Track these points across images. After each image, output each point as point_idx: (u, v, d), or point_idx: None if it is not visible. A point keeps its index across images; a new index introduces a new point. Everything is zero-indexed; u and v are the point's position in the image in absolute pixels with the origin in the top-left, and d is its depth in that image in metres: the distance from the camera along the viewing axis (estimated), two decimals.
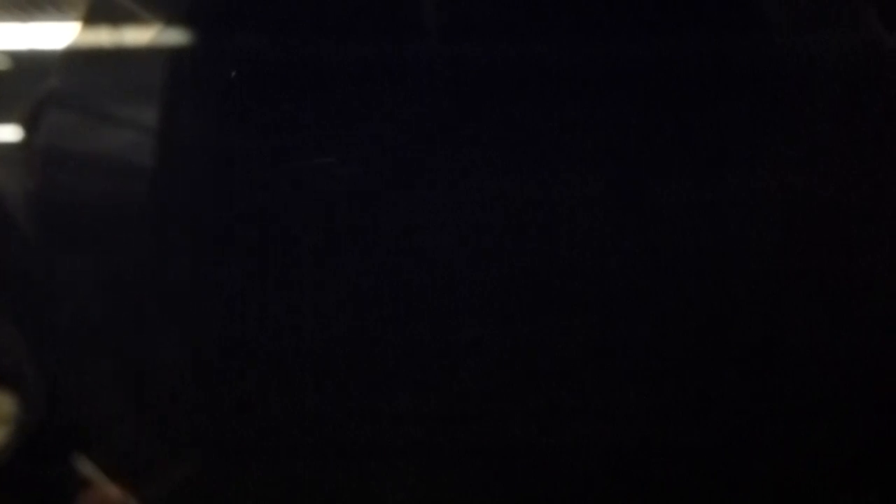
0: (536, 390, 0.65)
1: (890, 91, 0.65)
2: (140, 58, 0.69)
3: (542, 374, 0.65)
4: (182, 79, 0.68)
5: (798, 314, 0.65)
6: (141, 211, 0.67)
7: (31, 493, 0.68)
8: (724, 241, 0.65)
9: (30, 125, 0.69)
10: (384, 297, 0.65)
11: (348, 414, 0.66)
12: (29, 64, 0.73)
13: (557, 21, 0.65)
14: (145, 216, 0.67)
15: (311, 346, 0.66)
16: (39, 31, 0.72)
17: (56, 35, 0.71)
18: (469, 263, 0.65)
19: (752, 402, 0.65)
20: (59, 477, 0.67)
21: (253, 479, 0.66)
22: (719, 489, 0.65)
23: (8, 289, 0.68)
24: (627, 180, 0.65)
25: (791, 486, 0.65)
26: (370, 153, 0.65)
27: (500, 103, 0.65)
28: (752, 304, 0.65)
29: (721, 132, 0.64)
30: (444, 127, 0.65)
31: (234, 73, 0.66)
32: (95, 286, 0.67)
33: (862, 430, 0.64)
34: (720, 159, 0.65)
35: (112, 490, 0.67)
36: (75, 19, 0.70)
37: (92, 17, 0.70)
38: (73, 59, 0.70)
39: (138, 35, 0.69)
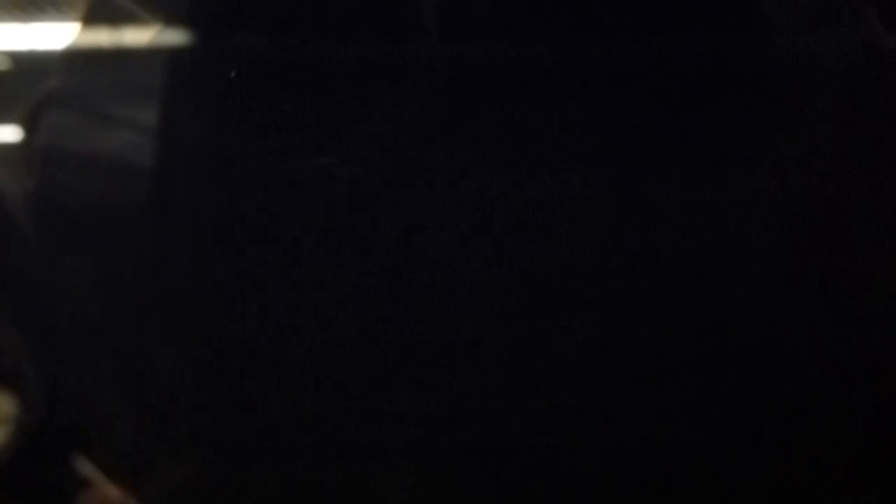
0: (536, 390, 0.65)
1: (890, 91, 0.65)
2: (140, 58, 0.69)
3: (542, 374, 0.65)
4: (182, 79, 0.68)
5: (798, 314, 0.65)
6: (141, 211, 0.67)
7: (31, 493, 0.68)
8: (724, 241, 0.65)
9: (30, 125, 0.69)
10: (384, 298, 0.65)
11: (348, 414, 0.66)
12: (29, 64, 0.73)
13: (557, 21, 0.65)
14: (145, 216, 0.67)
15: (311, 346, 0.66)
16: (39, 31, 0.72)
17: (56, 35, 0.71)
18: (469, 263, 0.65)
19: (752, 402, 0.65)
20: (59, 477, 0.67)
21: (253, 479, 0.66)
22: (719, 489, 0.65)
23: (8, 289, 0.68)
24: (627, 180, 0.65)
25: (791, 486, 0.65)
26: (370, 153, 0.65)
27: (499, 103, 0.65)
28: (752, 304, 0.65)
29: (721, 132, 0.64)
30: (444, 127, 0.65)
31: (233, 73, 0.66)
32: (95, 286, 0.67)
33: (862, 430, 0.64)
34: (720, 159, 0.65)
35: (112, 490, 0.67)
36: (75, 19, 0.70)
37: (92, 18, 0.70)
38: (73, 59, 0.70)
39: (138, 35, 0.69)
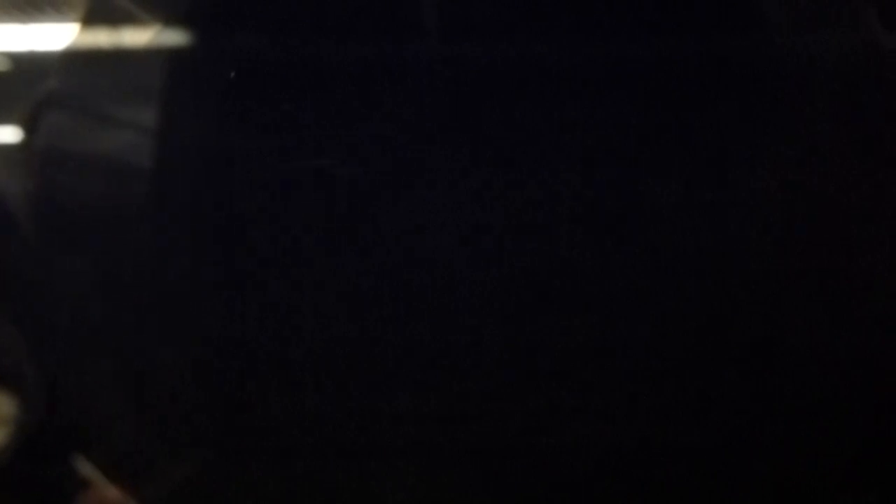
0: (536, 390, 0.65)
1: (890, 91, 0.65)
2: (139, 58, 0.69)
3: (541, 374, 0.65)
4: (182, 79, 0.68)
5: (798, 314, 0.65)
6: (141, 211, 0.67)
7: (31, 494, 0.68)
8: (724, 241, 0.65)
9: (29, 126, 0.69)
10: (384, 298, 0.65)
11: (348, 414, 0.66)
12: (28, 65, 0.73)
13: (557, 21, 0.65)
14: (145, 216, 0.67)
15: (311, 346, 0.66)
16: (39, 31, 0.72)
17: (55, 36, 0.71)
18: (469, 263, 0.65)
19: (752, 402, 0.65)
20: (59, 477, 0.67)
21: (253, 479, 0.66)
22: (719, 489, 0.65)
23: (8, 289, 0.68)
24: (627, 180, 0.65)
25: (791, 486, 0.65)
26: (370, 153, 0.65)
27: (499, 103, 0.65)
28: (752, 304, 0.65)
29: (721, 132, 0.65)
30: (444, 127, 0.65)
31: (233, 74, 0.66)
32: (95, 286, 0.67)
33: (862, 430, 0.65)
34: (720, 159, 0.65)
35: (112, 490, 0.67)
36: (74, 20, 0.70)
37: (91, 18, 0.70)
38: (73, 60, 0.70)
39: (137, 36, 0.69)
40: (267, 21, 0.66)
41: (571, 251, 0.65)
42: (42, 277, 0.68)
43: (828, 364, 0.64)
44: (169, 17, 0.68)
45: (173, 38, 0.68)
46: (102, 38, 0.69)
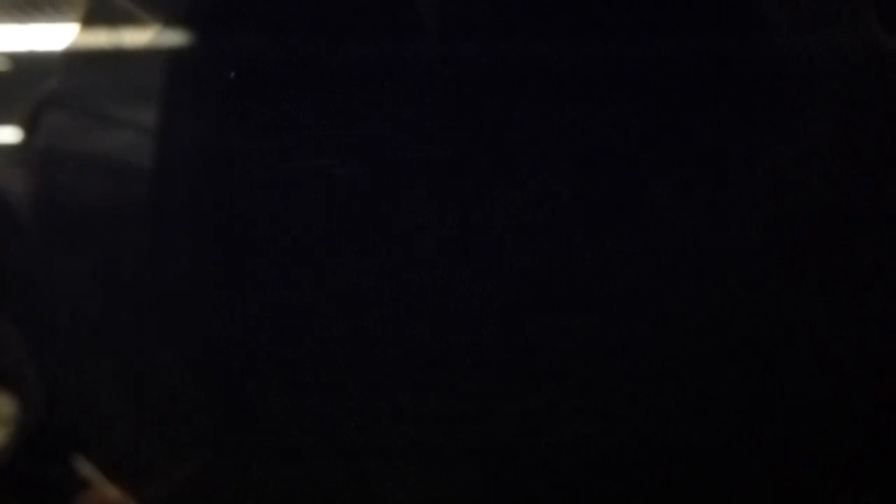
0: (536, 390, 0.65)
1: (890, 91, 0.65)
2: (139, 59, 0.69)
3: (541, 374, 0.65)
4: (182, 79, 0.68)
5: (798, 314, 0.65)
6: (140, 211, 0.67)
7: (30, 494, 0.68)
8: (724, 241, 0.65)
9: (29, 126, 0.69)
10: (384, 297, 0.65)
11: (348, 414, 0.66)
12: (29, 65, 0.73)
13: (557, 21, 0.65)
14: (145, 216, 0.67)
15: (311, 346, 0.66)
16: (39, 32, 0.72)
17: (55, 36, 0.71)
18: (469, 263, 0.65)
19: (752, 402, 0.65)
20: (58, 477, 0.67)
21: (253, 479, 0.66)
22: (719, 489, 0.65)
23: (8, 289, 0.68)
24: (627, 180, 0.65)
25: (791, 486, 0.65)
26: (370, 153, 0.65)
27: (499, 103, 0.65)
28: (752, 304, 0.65)
29: (721, 132, 0.65)
30: (444, 127, 0.65)
31: (233, 74, 0.66)
32: (95, 286, 0.67)
33: (862, 430, 0.64)
34: (720, 159, 0.65)
35: (111, 490, 0.67)
36: (74, 20, 0.70)
37: (91, 18, 0.70)
38: (73, 60, 0.70)
39: (137, 36, 0.69)
40: (267, 21, 0.66)
41: (571, 251, 0.65)
42: (42, 277, 0.68)
43: (828, 364, 0.64)
44: (169, 17, 0.68)
45: (173, 38, 0.68)
46: (102, 38, 0.69)
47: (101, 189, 0.67)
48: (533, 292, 0.65)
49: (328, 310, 0.65)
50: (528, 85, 0.65)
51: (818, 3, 0.66)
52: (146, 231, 0.67)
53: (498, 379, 0.65)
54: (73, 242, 0.67)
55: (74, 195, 0.67)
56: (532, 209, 0.65)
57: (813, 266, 0.64)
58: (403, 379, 0.65)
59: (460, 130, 0.65)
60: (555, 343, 0.65)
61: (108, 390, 0.67)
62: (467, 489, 0.66)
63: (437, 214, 0.65)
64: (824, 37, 0.65)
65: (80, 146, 0.68)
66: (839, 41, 0.65)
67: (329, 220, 0.65)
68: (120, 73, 0.69)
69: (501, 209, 0.65)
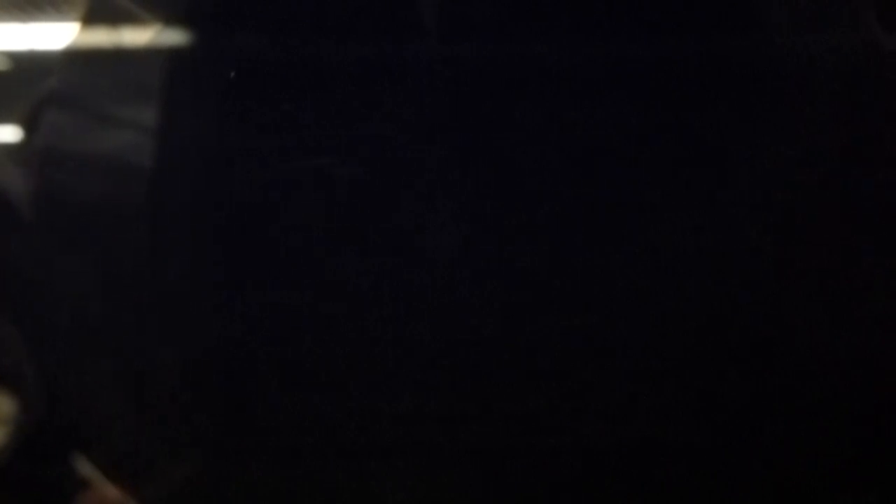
0: (536, 390, 0.65)
1: (890, 91, 0.65)
2: (139, 58, 0.69)
3: (541, 374, 0.65)
4: (182, 79, 0.68)
5: (798, 314, 0.65)
6: (140, 211, 0.67)
7: (30, 494, 0.68)
8: (724, 241, 0.65)
9: (29, 125, 0.69)
10: (384, 297, 0.65)
11: (348, 414, 0.66)
12: (29, 64, 0.73)
13: (557, 21, 0.65)
14: (145, 216, 0.67)
15: (311, 346, 0.66)
16: (39, 31, 0.72)
17: (55, 35, 0.71)
18: (469, 263, 0.65)
19: (752, 402, 0.65)
20: (58, 477, 0.67)
21: (253, 479, 0.66)
22: (719, 489, 0.65)
23: (8, 289, 0.68)
24: (627, 180, 0.65)
25: (791, 486, 0.65)
26: (370, 153, 0.65)
27: (499, 103, 0.65)
28: (752, 304, 0.65)
29: (721, 132, 0.65)
30: (444, 127, 0.65)
31: (233, 74, 0.66)
32: (95, 286, 0.67)
33: (862, 430, 0.65)
34: (720, 159, 0.65)
35: (111, 490, 0.67)
36: (74, 20, 0.70)
37: (91, 18, 0.70)
38: (73, 59, 0.70)
39: (137, 35, 0.69)
40: (267, 21, 0.66)
41: (571, 251, 0.65)
42: (42, 277, 0.68)
43: (828, 364, 0.64)
44: (169, 17, 0.68)
45: (173, 38, 0.68)
46: (102, 37, 0.69)
47: (101, 189, 0.67)
48: (533, 292, 0.65)
49: (328, 310, 0.65)
50: (528, 85, 0.65)
51: (818, 3, 0.66)
52: (146, 231, 0.67)
53: (498, 379, 0.65)
54: (72, 242, 0.67)
55: (74, 195, 0.67)
56: (532, 209, 0.65)
57: (813, 266, 0.64)
58: (403, 379, 0.65)
59: (460, 130, 0.65)
60: (555, 343, 0.65)
61: (107, 390, 0.67)
62: (467, 489, 0.66)
63: (437, 214, 0.65)
64: (824, 37, 0.65)
65: (79, 145, 0.68)
66: (839, 41, 0.65)
67: (329, 220, 0.65)
68: (120, 73, 0.69)
69: (501, 209, 0.65)
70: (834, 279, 0.64)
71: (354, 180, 0.65)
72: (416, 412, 0.65)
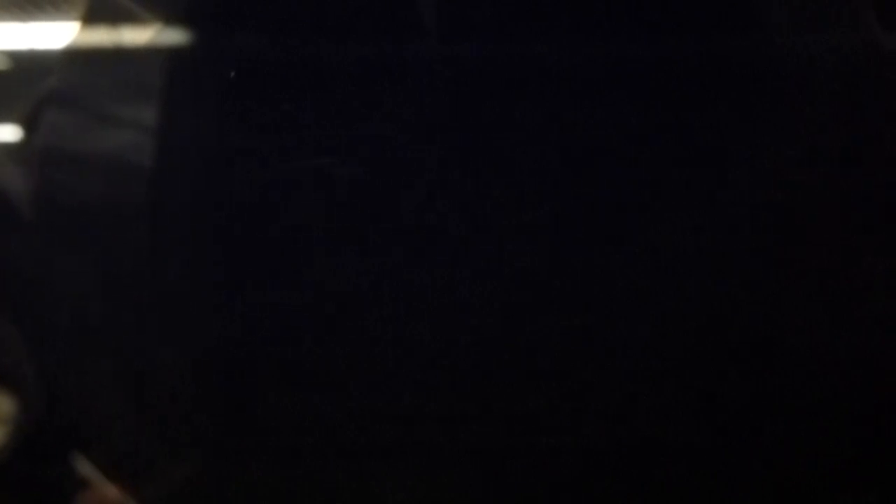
0: (536, 390, 0.65)
1: (890, 91, 0.65)
2: (139, 58, 0.69)
3: (541, 374, 0.65)
4: (182, 79, 0.68)
5: (798, 314, 0.65)
6: (140, 211, 0.67)
7: (30, 493, 0.68)
8: (724, 241, 0.65)
9: (29, 125, 0.69)
10: (384, 297, 0.65)
11: (348, 414, 0.66)
12: (29, 64, 0.73)
13: (557, 21, 0.65)
14: (145, 216, 0.67)
15: (311, 346, 0.66)
16: (39, 31, 0.72)
17: (56, 35, 0.71)
18: (469, 263, 0.65)
19: (752, 402, 0.65)
20: (58, 477, 0.67)
21: (253, 479, 0.66)
22: (719, 489, 0.65)
23: (8, 289, 0.68)
24: (627, 180, 0.65)
25: (791, 486, 0.65)
26: (370, 153, 0.65)
27: (499, 103, 0.65)
28: (752, 304, 0.65)
29: (721, 132, 0.64)
30: (444, 127, 0.65)
31: (233, 73, 0.66)
32: (95, 286, 0.67)
33: (862, 430, 0.65)
34: (720, 159, 0.65)
35: (111, 490, 0.67)
36: (75, 19, 0.70)
37: (91, 18, 0.70)
38: (73, 59, 0.70)
39: (138, 35, 0.69)
40: (267, 21, 0.66)
41: (571, 251, 0.65)
42: (42, 277, 0.68)
43: (828, 364, 0.64)
44: (169, 17, 0.68)
45: (173, 37, 0.68)
46: (102, 37, 0.69)
47: (101, 188, 0.67)
48: (533, 292, 0.65)
49: (328, 310, 0.65)
50: (528, 85, 0.65)
51: (818, 3, 0.66)
52: (146, 231, 0.67)
53: (498, 379, 0.65)
54: (72, 242, 0.67)
55: (74, 194, 0.67)
56: (532, 209, 0.65)
57: (813, 266, 0.64)
58: (403, 379, 0.65)
59: (460, 130, 0.65)
60: (555, 343, 0.65)
61: (107, 390, 0.67)
62: (467, 489, 0.66)
63: (437, 214, 0.65)
64: (824, 37, 0.65)
65: (79, 145, 0.68)
66: (839, 41, 0.65)
67: (329, 220, 0.65)
68: (120, 73, 0.69)
69: (501, 209, 0.65)
70: (834, 279, 0.64)
71: (354, 180, 0.65)
72: (416, 412, 0.65)
